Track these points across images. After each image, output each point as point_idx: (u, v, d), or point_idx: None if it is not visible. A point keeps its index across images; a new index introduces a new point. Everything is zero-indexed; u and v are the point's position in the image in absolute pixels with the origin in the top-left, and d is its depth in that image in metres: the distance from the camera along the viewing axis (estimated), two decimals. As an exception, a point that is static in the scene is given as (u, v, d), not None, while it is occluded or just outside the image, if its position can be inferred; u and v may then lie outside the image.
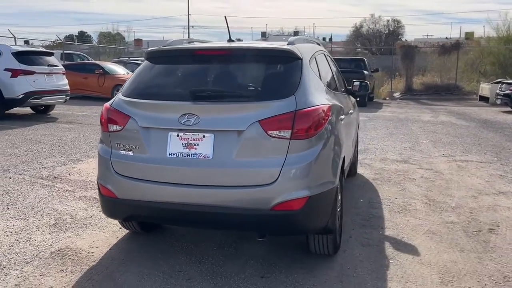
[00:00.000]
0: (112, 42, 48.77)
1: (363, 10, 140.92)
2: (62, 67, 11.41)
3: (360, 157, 7.03)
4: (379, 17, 49.08)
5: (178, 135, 2.92)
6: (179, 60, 3.36)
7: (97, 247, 3.57)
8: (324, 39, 69.60)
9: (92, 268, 3.21)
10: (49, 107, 11.46)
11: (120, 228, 3.88)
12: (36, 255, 3.39)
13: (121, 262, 3.31)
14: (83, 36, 60.68)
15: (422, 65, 22.58)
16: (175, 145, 2.92)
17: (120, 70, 16.01)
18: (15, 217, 4.16)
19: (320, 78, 3.55)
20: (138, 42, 56.58)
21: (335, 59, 19.33)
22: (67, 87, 11.18)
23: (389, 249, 3.60)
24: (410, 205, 4.73)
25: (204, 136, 2.88)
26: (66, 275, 3.10)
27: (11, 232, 3.80)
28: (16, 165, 6.13)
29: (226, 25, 3.77)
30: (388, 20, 46.25)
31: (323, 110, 3.02)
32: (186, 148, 2.90)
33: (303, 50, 3.35)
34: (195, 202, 2.87)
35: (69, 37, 53.16)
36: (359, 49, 43.34)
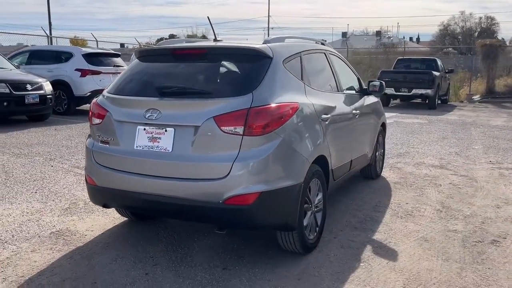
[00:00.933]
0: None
1: (456, 7, 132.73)
2: (125, 66, 12.24)
3: (394, 160, 6.81)
4: (470, 14, 46.08)
5: (144, 129, 3.12)
6: (160, 59, 3.56)
7: (92, 230, 3.90)
8: (410, 39, 66.44)
9: (77, 248, 3.52)
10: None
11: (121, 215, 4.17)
12: (37, 234, 3.78)
13: (104, 246, 3.59)
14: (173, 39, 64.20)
15: (507, 65, 20.85)
16: (141, 138, 3.12)
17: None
18: (37, 200, 4.64)
19: (302, 77, 3.56)
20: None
21: (405, 59, 18.55)
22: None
23: (367, 253, 3.51)
24: (419, 211, 4.52)
25: (166, 130, 3.05)
26: (53, 253, 3.43)
27: (27, 213, 4.26)
28: (63, 155, 6.77)
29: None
30: (480, 18, 43.25)
31: (284, 109, 3.05)
32: (150, 141, 3.09)
33: (277, 49, 3.39)
34: (157, 192, 3.05)
35: (160, 40, 56.51)
36: (449, 48, 40.95)
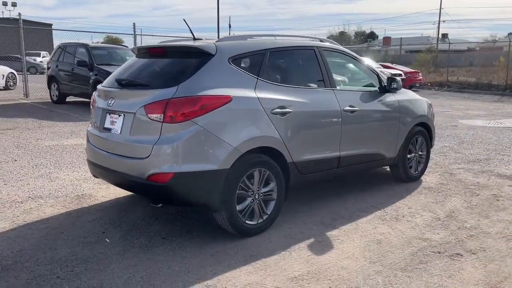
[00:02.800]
0: (355, 42, 50.21)
1: None
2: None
3: (460, 166, 6.27)
4: None
5: (109, 114, 3.81)
6: (140, 55, 4.16)
7: (105, 197, 4.77)
8: None
9: (80, 208, 4.41)
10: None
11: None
12: (66, 195, 4.81)
13: (99, 209, 4.39)
14: (342, 36, 64.49)
15: None
16: (107, 121, 3.81)
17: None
18: (83, 171, 5.72)
19: (259, 73, 3.80)
20: (386, 40, 56.36)
21: None
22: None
23: (301, 244, 3.60)
24: (411, 217, 4.28)
25: (119, 116, 3.68)
26: (62, 209, 4.38)
27: (71, 180, 5.36)
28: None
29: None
30: None
31: (208, 100, 3.39)
32: (111, 124, 3.76)
33: (224, 47, 3.71)
34: (111, 167, 3.71)
35: (330, 37, 57.90)
36: None
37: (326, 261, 3.32)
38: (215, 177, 3.42)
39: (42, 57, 31.66)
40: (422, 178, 5.63)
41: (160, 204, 3.61)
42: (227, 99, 3.49)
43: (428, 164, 6.11)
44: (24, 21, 13.83)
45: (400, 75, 20.44)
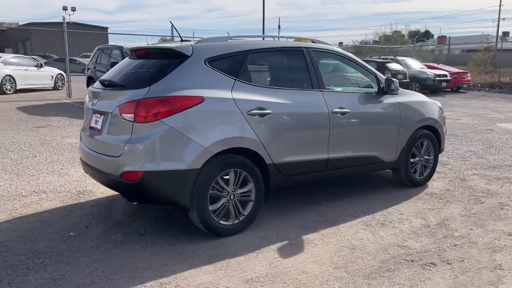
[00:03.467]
0: (403, 42, 48.68)
1: None
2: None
3: (477, 171, 5.98)
4: None
5: (94, 114, 3.96)
6: (131, 57, 4.27)
7: (103, 194, 4.95)
8: None
9: (76, 204, 4.61)
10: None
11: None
12: (68, 190, 5.05)
13: (94, 205, 4.58)
14: (393, 35, 62.77)
15: None
16: (93, 121, 3.97)
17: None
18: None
19: (238, 74, 3.81)
20: (441, 39, 54.22)
21: None
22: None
23: (272, 246, 3.57)
24: (399, 223, 4.14)
25: (101, 115, 3.82)
26: (59, 203, 4.60)
27: (78, 176, 5.58)
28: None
29: None
30: None
31: (178, 101, 3.45)
32: (95, 124, 3.91)
33: (200, 49, 3.75)
34: (95, 165, 3.86)
35: (381, 37, 56.68)
36: None
37: (290, 264, 3.28)
38: (184, 177, 3.47)
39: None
40: (429, 183, 5.40)
41: (135, 202, 3.71)
42: (199, 100, 3.53)
43: (442, 169, 5.89)
44: (82, 25, 14.55)
45: (445, 75, 19.65)
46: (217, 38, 4.06)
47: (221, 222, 3.71)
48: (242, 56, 3.92)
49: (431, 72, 19.39)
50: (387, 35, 59.95)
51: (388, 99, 4.84)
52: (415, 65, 20.48)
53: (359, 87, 4.92)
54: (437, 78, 19.12)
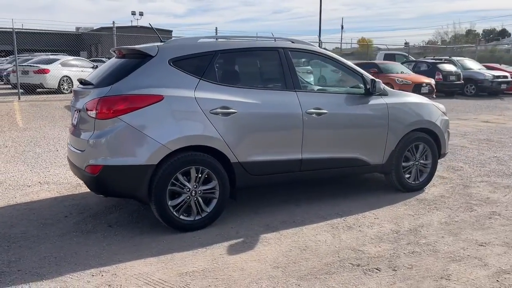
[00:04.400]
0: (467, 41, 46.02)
1: None
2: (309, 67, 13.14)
3: (496, 179, 5.66)
4: None
5: (74, 111, 4.24)
6: (115, 57, 4.49)
7: (98, 187, 5.24)
8: None
9: (69, 195, 4.92)
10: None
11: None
12: (69, 182, 5.40)
13: (82, 199, 4.87)
14: (468, 35, 59.67)
15: None
16: (73, 118, 4.25)
17: (398, 69, 16.30)
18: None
19: (203, 74, 3.92)
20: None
21: None
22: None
23: (223, 243, 3.62)
24: (371, 227, 4.03)
25: (77, 112, 4.09)
26: (53, 194, 4.95)
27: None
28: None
29: None
30: None
31: (136, 99, 3.62)
32: (74, 121, 4.18)
33: (165, 49, 3.90)
34: (71, 159, 4.13)
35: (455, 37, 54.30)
36: None
37: (232, 261, 3.33)
38: (141, 172, 3.63)
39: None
40: (427, 188, 5.18)
41: (100, 194, 3.91)
42: (158, 99, 3.67)
43: (450, 175, 5.64)
44: (148, 28, 15.27)
45: (505, 77, 18.46)
46: (188, 39, 4.19)
47: (181, 217, 3.82)
48: (209, 57, 4.01)
49: (489, 73, 18.29)
50: (457, 34, 57.11)
51: (375, 100, 4.71)
52: (473, 65, 19.41)
53: (344, 87, 4.83)
54: (496, 80, 18.02)
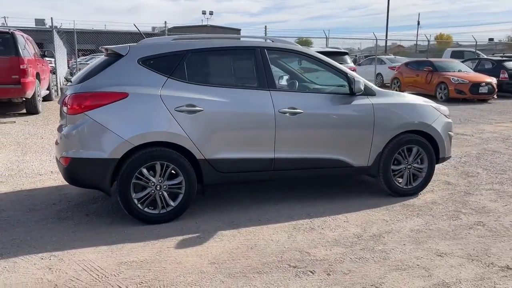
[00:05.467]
0: None
1: None
2: (351, 65, 12.83)
3: (506, 188, 5.28)
4: None
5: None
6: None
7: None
8: None
9: (63, 185, 5.28)
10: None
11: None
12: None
13: (78, 189, 5.20)
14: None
15: None
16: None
17: (455, 67, 15.40)
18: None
19: (172, 73, 4.06)
20: None
21: None
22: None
23: (171, 241, 3.74)
24: (334, 230, 3.95)
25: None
26: (57, 183, 5.34)
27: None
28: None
29: None
30: None
31: (101, 96, 3.83)
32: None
33: (136, 49, 4.08)
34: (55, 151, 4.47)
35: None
36: None
37: (174, 254, 3.43)
38: (104, 165, 3.85)
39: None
40: (422, 193, 4.94)
41: (73, 185, 4.17)
42: (122, 96, 3.87)
43: (459, 181, 5.37)
44: (217, 27, 15.84)
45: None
46: (162, 38, 4.35)
47: (145, 210, 3.99)
48: (179, 56, 4.13)
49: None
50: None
51: (360, 101, 4.57)
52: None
53: (327, 87, 4.73)
54: None
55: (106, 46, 4.37)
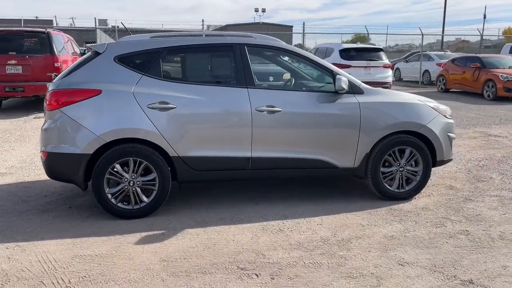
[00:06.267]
0: None
1: None
2: (386, 61, 12.36)
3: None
4: None
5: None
6: None
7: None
8: None
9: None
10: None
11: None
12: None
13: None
14: None
15: None
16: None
17: (507, 63, 14.41)
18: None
19: (147, 70, 4.10)
20: None
21: None
22: (387, 80, 12.10)
23: (133, 236, 3.79)
24: (302, 233, 3.83)
25: (49, 104, 4.57)
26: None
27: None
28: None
29: None
30: None
31: (74, 93, 3.94)
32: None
33: (112, 47, 4.15)
34: None
35: None
36: None
37: (130, 250, 3.46)
38: (77, 160, 3.95)
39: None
40: (417, 197, 4.67)
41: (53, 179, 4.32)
42: (95, 93, 3.95)
43: (466, 186, 5.07)
44: (269, 24, 15.89)
45: None
46: (140, 36, 4.38)
47: (119, 205, 4.06)
48: (155, 53, 4.15)
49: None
50: None
51: (345, 99, 4.38)
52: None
53: (311, 85, 4.58)
54: None
55: (88, 44, 4.49)
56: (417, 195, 4.73)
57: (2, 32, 10.12)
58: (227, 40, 4.38)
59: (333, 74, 4.38)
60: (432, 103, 4.74)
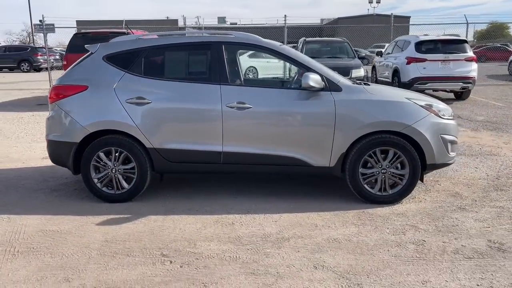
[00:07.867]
0: None
1: None
2: (469, 54, 11.24)
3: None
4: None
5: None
6: None
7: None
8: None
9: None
10: (463, 93, 11.69)
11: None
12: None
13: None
14: None
15: None
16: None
17: None
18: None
19: (131, 68, 4.49)
20: None
21: None
22: (469, 74, 11.04)
23: (114, 216, 4.19)
24: (249, 226, 3.92)
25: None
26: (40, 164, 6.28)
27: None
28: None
29: None
30: None
31: (64, 89, 4.49)
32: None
33: (103, 47, 4.59)
34: None
35: None
36: None
37: (88, 228, 3.87)
38: (67, 147, 4.49)
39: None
40: (402, 203, 4.40)
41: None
42: (83, 88, 4.45)
43: (474, 195, 4.69)
44: (382, 15, 15.69)
45: None
46: (130, 36, 4.77)
47: (103, 189, 4.54)
48: (139, 52, 4.51)
49: None
50: None
51: (320, 97, 4.29)
52: None
53: (288, 82, 4.54)
54: None
55: (86, 46, 5.01)
56: (406, 199, 4.44)
57: (90, 34, 11.45)
58: (205, 39, 4.57)
59: (308, 71, 4.31)
60: (424, 101, 4.39)
